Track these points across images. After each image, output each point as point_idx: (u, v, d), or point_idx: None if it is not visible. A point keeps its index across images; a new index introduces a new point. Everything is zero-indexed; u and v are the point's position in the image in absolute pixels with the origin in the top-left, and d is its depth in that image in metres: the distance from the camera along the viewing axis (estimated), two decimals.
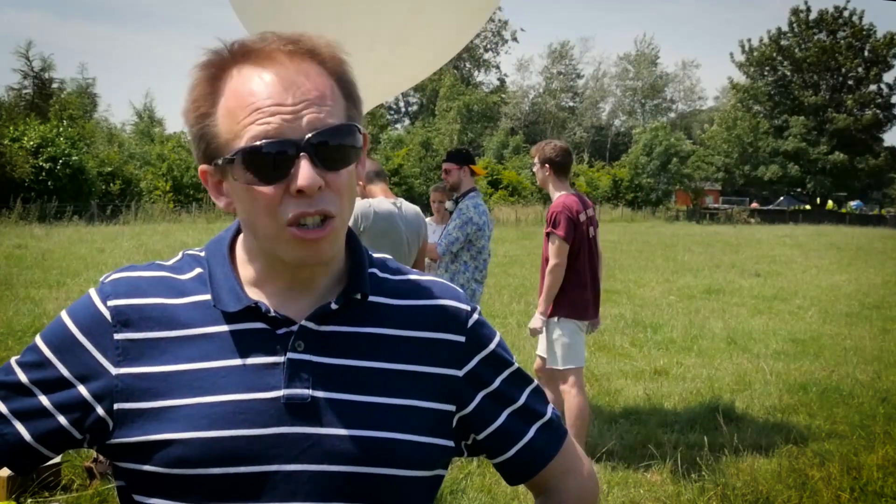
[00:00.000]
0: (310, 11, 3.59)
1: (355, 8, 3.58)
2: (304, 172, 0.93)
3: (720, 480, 4.33)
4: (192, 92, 0.99)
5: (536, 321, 4.63)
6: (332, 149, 0.96)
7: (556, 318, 4.60)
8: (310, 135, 0.94)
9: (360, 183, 4.66)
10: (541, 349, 4.77)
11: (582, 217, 4.61)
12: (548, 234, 4.62)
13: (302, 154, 0.94)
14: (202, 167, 1.02)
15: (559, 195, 4.68)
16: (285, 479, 0.97)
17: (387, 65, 3.89)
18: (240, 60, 0.98)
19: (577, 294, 4.61)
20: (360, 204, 4.33)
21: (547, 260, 4.61)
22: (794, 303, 11.80)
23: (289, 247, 0.97)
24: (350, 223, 4.08)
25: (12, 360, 1.04)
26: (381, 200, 4.42)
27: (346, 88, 1.02)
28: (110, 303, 1.01)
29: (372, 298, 1.07)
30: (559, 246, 4.54)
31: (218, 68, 0.98)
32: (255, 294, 1.03)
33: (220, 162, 0.97)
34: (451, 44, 4.55)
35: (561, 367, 4.56)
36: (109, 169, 27.73)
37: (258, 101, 0.94)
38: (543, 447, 1.14)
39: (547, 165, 4.70)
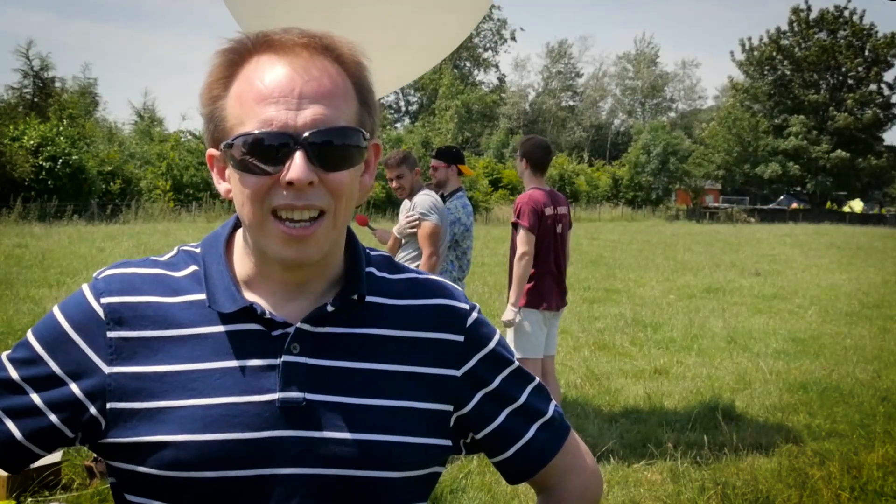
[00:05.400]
0: (301, 12, 3.58)
1: (347, 8, 3.57)
2: (297, 166, 0.92)
3: (720, 479, 4.33)
4: (210, 75, 0.99)
5: (509, 313, 4.71)
6: (332, 148, 0.95)
7: (518, 308, 4.69)
8: (309, 132, 0.93)
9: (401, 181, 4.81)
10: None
11: (548, 211, 4.75)
12: (514, 225, 4.76)
13: (298, 148, 0.93)
14: (209, 151, 1.02)
15: (530, 188, 4.83)
16: (281, 482, 0.96)
17: (377, 65, 3.92)
18: (259, 50, 0.98)
19: (540, 284, 4.73)
20: (429, 199, 4.61)
21: (515, 251, 4.73)
22: (794, 302, 11.80)
23: (273, 242, 0.96)
24: (435, 220, 4.24)
25: (3, 356, 1.02)
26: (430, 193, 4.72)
27: (362, 93, 1.01)
28: (104, 300, 1.00)
29: (369, 298, 1.05)
30: (525, 235, 4.66)
31: (237, 55, 0.98)
32: (251, 294, 1.02)
33: (223, 146, 0.97)
34: (443, 45, 4.59)
35: (517, 356, 4.65)
36: (109, 168, 27.69)
37: (266, 89, 0.94)
38: (544, 446, 1.13)
39: (524, 160, 4.87)
